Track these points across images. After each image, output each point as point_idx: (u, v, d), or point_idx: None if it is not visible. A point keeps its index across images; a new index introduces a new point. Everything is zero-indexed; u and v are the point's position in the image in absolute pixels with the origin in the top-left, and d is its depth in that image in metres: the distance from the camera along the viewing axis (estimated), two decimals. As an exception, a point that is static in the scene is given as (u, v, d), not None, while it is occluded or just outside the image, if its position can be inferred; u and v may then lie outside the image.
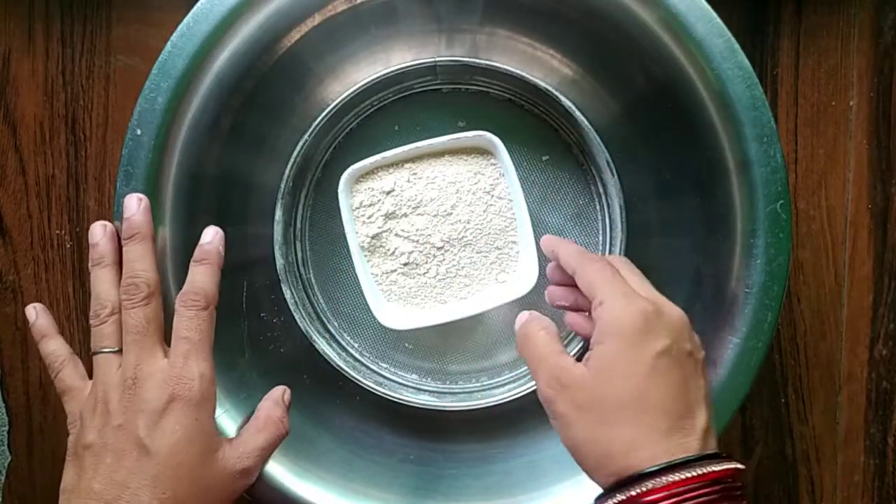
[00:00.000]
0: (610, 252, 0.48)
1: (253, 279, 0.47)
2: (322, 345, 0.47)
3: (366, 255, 0.47)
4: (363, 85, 0.46)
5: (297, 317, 0.47)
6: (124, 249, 0.42)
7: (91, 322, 0.41)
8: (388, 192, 0.46)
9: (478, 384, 0.48)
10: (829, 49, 0.51)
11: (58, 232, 0.52)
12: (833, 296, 0.52)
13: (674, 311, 0.37)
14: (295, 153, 0.46)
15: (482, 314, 0.48)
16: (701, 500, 0.32)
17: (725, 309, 0.44)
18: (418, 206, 0.46)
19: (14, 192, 0.52)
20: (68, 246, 0.52)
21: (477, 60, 0.46)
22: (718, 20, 0.43)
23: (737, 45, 0.43)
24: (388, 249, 0.46)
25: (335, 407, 0.48)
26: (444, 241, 0.46)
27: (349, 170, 0.46)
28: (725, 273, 0.44)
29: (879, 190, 0.51)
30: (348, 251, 0.46)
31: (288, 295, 0.46)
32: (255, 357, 0.47)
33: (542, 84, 0.46)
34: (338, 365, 0.46)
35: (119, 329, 0.40)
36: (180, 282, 0.42)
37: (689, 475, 0.32)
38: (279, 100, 0.47)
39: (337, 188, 0.46)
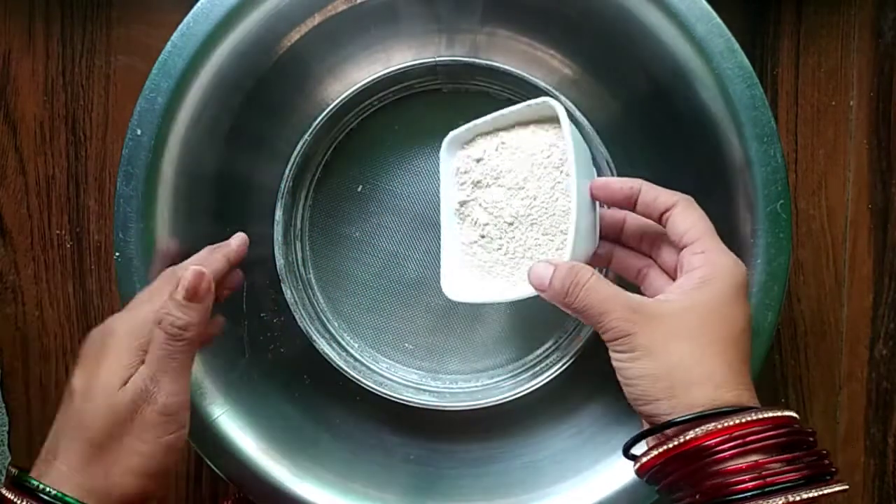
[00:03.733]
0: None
1: (253, 279, 0.47)
2: (322, 345, 0.47)
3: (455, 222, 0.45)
4: (363, 85, 0.46)
5: (297, 317, 0.47)
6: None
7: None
8: (478, 161, 0.44)
9: (478, 384, 0.48)
10: (829, 49, 0.51)
11: (58, 232, 0.52)
12: (833, 296, 0.52)
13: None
14: (295, 153, 0.46)
15: (483, 313, 0.48)
16: (792, 438, 0.34)
17: (725, 309, 0.44)
18: (498, 177, 0.44)
19: (14, 192, 0.52)
20: (68, 246, 0.52)
21: (477, 60, 0.46)
22: (718, 20, 0.43)
23: (737, 45, 0.43)
24: (472, 219, 0.45)
25: (335, 407, 0.48)
26: (513, 216, 0.43)
27: (451, 135, 0.44)
28: (725, 273, 0.44)
29: (879, 190, 0.51)
30: (348, 251, 0.46)
31: (288, 295, 0.46)
32: (255, 357, 0.47)
33: (542, 84, 0.46)
34: (338, 365, 0.46)
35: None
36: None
37: (780, 414, 0.34)
38: (279, 100, 0.47)
39: (337, 188, 0.46)
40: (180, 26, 0.43)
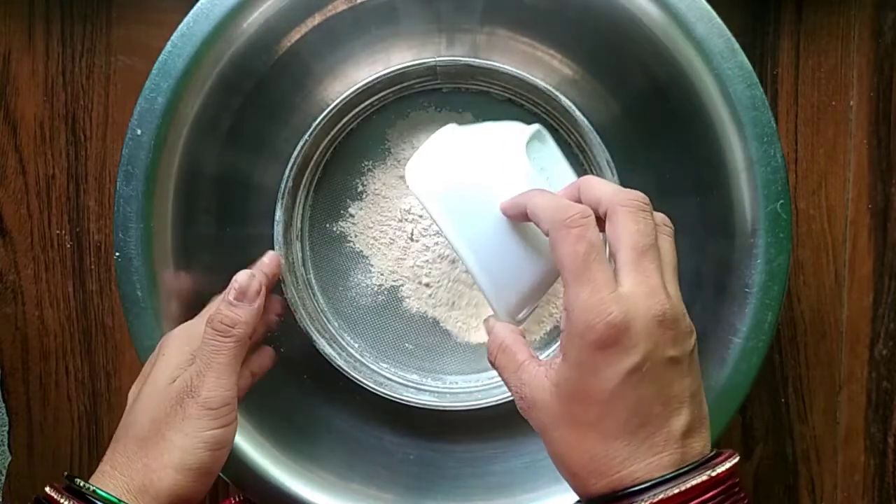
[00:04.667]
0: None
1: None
2: (322, 345, 0.47)
3: None
4: (363, 85, 0.46)
5: (297, 317, 0.47)
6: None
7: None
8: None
9: (478, 384, 0.48)
10: (829, 49, 0.51)
11: (58, 232, 0.52)
12: (833, 296, 0.52)
13: (651, 310, 0.31)
14: (295, 153, 0.46)
15: (484, 313, 0.48)
16: None
17: (725, 309, 0.44)
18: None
19: (14, 192, 0.52)
20: (68, 246, 0.52)
21: (477, 60, 0.46)
22: (718, 20, 0.43)
23: (737, 45, 0.43)
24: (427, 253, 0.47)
25: (335, 407, 0.48)
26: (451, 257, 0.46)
27: (526, 143, 0.38)
28: (725, 273, 0.44)
29: (879, 190, 0.51)
30: (348, 251, 0.46)
31: (288, 295, 0.46)
32: (255, 357, 0.48)
33: (542, 84, 0.46)
34: (338, 365, 0.46)
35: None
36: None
37: (676, 491, 0.29)
38: (279, 100, 0.47)
39: (337, 188, 0.46)
40: (180, 26, 0.43)
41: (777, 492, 0.52)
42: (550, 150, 0.40)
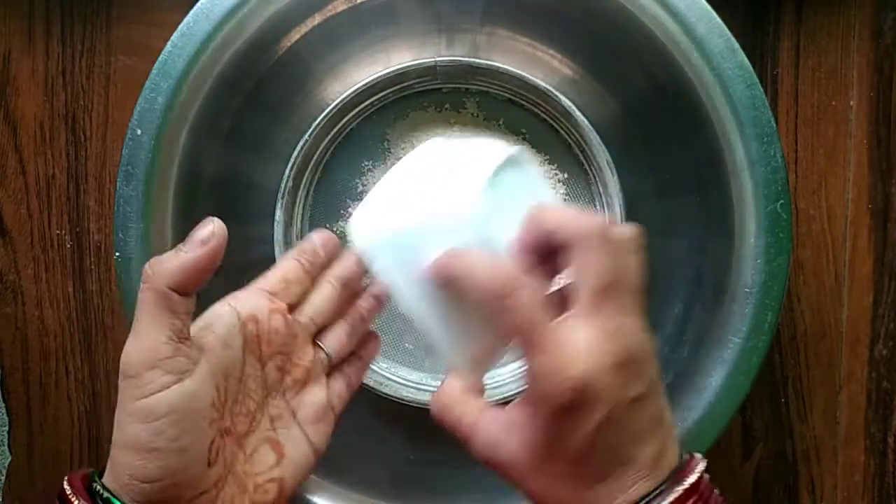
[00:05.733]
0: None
1: (253, 279, 0.47)
2: (322, 345, 0.47)
3: None
4: (363, 85, 0.46)
5: (297, 317, 0.47)
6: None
7: None
8: None
9: (478, 384, 0.48)
10: (829, 49, 0.51)
11: (58, 232, 0.52)
12: (833, 296, 0.51)
13: (610, 359, 0.29)
14: (295, 153, 0.46)
15: None
16: None
17: (725, 309, 0.44)
18: None
19: (14, 192, 0.52)
20: (68, 246, 0.52)
21: (477, 60, 0.46)
22: (718, 20, 0.43)
23: (737, 45, 0.43)
24: None
25: (335, 407, 0.48)
26: None
27: (491, 175, 0.34)
28: (725, 273, 0.44)
29: (879, 190, 0.51)
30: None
31: (288, 295, 0.46)
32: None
33: (542, 84, 0.46)
34: (338, 365, 0.46)
35: None
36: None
37: None
38: (279, 100, 0.47)
39: (337, 188, 0.46)
40: (180, 26, 0.43)
41: (777, 492, 0.52)
42: (528, 176, 0.36)
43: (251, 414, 0.34)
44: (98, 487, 0.31)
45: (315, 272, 0.37)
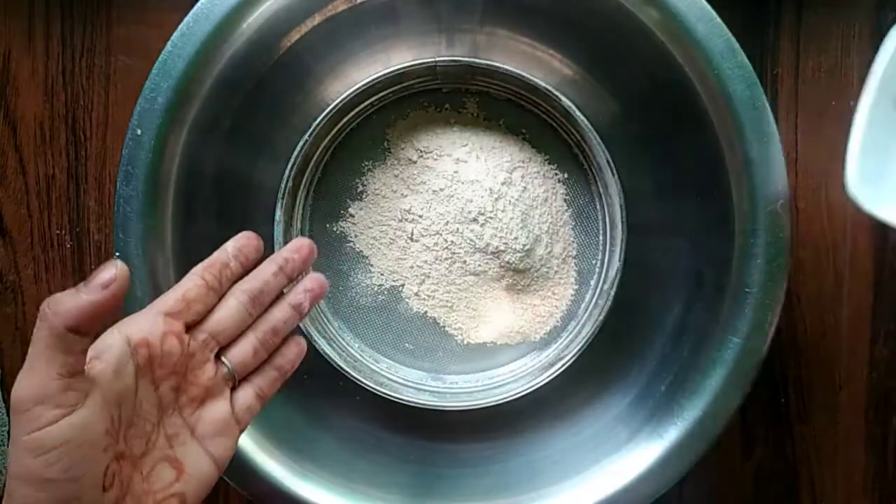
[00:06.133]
0: (610, 251, 0.48)
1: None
2: (322, 345, 0.47)
3: None
4: (363, 85, 0.46)
5: (297, 317, 0.47)
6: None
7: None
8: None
9: (478, 384, 0.48)
10: (829, 49, 0.51)
11: (58, 232, 0.52)
12: (833, 296, 0.51)
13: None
14: (295, 153, 0.46)
15: (483, 313, 0.48)
16: None
17: (725, 309, 0.44)
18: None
19: (14, 192, 0.52)
20: (68, 246, 0.52)
21: (477, 60, 0.46)
22: (718, 20, 0.43)
23: (737, 45, 0.43)
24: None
25: (335, 407, 0.48)
26: None
27: None
28: (725, 273, 0.44)
29: (879, 190, 0.51)
30: (348, 251, 0.46)
31: (288, 295, 0.46)
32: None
33: (542, 84, 0.46)
34: (338, 365, 0.46)
35: None
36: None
37: None
38: (279, 100, 0.47)
39: (337, 188, 0.46)
40: (180, 26, 0.43)
41: (777, 492, 0.52)
42: None
43: (146, 435, 0.34)
44: None
45: (223, 286, 0.36)
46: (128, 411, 0.33)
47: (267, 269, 0.37)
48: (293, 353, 0.39)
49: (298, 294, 0.38)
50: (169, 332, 0.34)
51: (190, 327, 0.36)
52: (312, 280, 0.39)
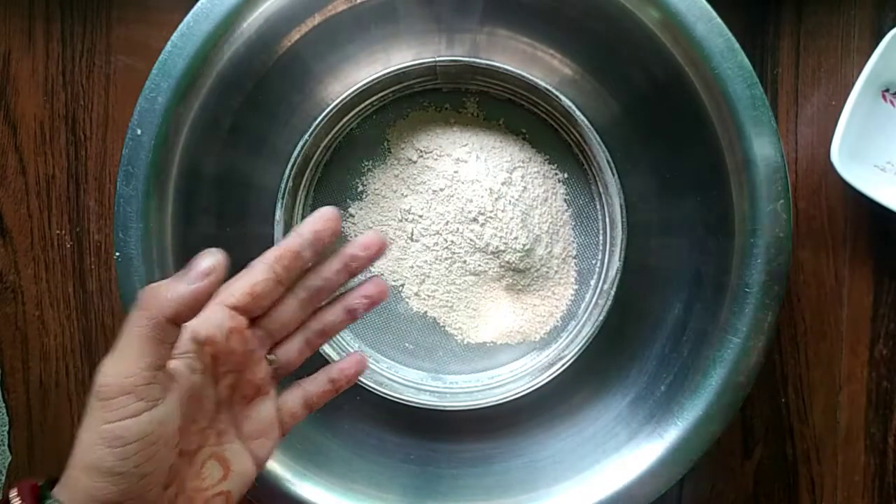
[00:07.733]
0: (610, 251, 0.48)
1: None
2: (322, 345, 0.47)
3: None
4: (363, 85, 0.46)
5: (297, 317, 0.47)
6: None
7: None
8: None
9: (478, 384, 0.48)
10: (829, 49, 0.51)
11: (58, 232, 0.52)
12: (833, 296, 0.51)
13: None
14: (295, 153, 0.46)
15: (483, 313, 0.48)
16: None
17: (725, 309, 0.44)
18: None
19: (14, 192, 0.52)
20: (68, 246, 0.52)
21: (477, 60, 0.46)
22: (718, 20, 0.43)
23: (737, 45, 0.43)
24: None
25: (336, 407, 0.48)
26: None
27: None
28: (725, 273, 0.44)
29: (879, 190, 0.51)
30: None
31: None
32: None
33: (542, 84, 0.46)
34: (338, 365, 0.46)
35: None
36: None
37: None
38: (279, 100, 0.47)
39: (337, 188, 0.46)
40: (180, 26, 0.43)
41: (777, 492, 0.52)
42: None
43: (202, 431, 0.34)
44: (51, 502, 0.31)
45: (291, 279, 0.35)
46: (193, 408, 0.33)
47: (332, 266, 0.36)
48: (352, 371, 0.38)
49: (355, 299, 0.37)
50: (234, 328, 0.34)
51: (254, 321, 0.35)
52: (373, 285, 0.37)
